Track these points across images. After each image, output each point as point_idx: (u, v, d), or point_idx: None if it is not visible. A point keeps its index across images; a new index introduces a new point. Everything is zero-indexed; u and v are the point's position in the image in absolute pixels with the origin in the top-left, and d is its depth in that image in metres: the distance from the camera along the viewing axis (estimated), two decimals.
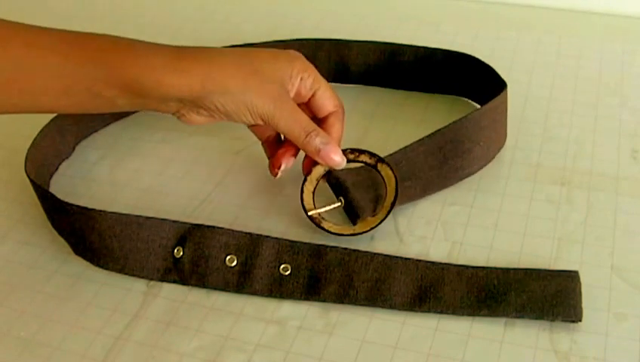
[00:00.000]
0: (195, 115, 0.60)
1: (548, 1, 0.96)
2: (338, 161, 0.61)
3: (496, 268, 0.57)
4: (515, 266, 0.59)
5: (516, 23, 0.93)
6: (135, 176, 0.71)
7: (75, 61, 0.55)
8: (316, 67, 0.62)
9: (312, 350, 0.54)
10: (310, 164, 0.63)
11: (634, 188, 0.66)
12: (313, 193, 0.64)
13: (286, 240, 0.60)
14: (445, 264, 0.58)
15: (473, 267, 0.58)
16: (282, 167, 0.63)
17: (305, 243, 0.60)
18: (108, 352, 0.55)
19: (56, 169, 0.72)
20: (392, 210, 0.62)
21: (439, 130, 0.66)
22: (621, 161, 0.70)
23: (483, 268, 0.58)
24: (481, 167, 0.69)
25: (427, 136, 0.66)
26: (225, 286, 0.59)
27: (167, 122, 0.72)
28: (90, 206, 0.59)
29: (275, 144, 0.65)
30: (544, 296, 0.55)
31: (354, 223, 0.63)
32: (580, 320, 0.54)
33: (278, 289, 0.58)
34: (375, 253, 0.59)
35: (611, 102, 0.78)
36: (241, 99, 0.58)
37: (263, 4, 1.01)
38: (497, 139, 0.71)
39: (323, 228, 0.62)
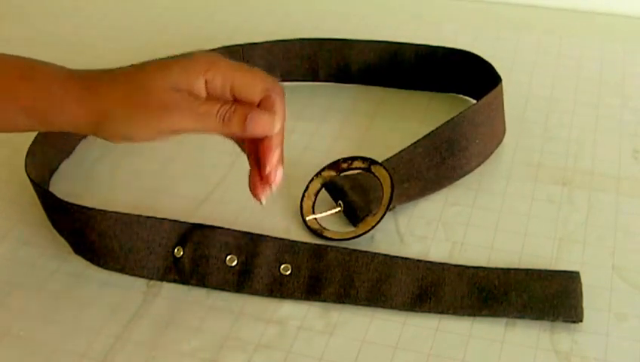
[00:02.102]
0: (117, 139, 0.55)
1: (548, 1, 0.96)
2: (267, 124, 0.52)
3: (496, 269, 0.57)
4: (516, 266, 0.59)
5: (516, 22, 0.93)
6: (135, 176, 0.71)
7: None
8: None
9: (313, 350, 0.54)
10: (253, 149, 0.55)
11: (635, 188, 0.66)
12: (313, 208, 0.64)
13: (286, 240, 0.60)
14: (446, 264, 0.58)
15: (474, 267, 0.58)
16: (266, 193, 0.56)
17: (305, 243, 0.60)
18: (108, 352, 0.54)
19: (56, 169, 0.72)
20: (392, 209, 0.62)
21: (434, 130, 0.66)
22: (622, 161, 0.70)
23: (484, 268, 0.58)
24: (479, 164, 0.69)
25: (423, 138, 0.66)
26: (225, 286, 0.59)
27: None
28: (90, 206, 0.59)
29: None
30: (545, 296, 0.55)
31: (354, 225, 0.63)
32: (581, 321, 0.54)
33: (279, 289, 0.58)
34: (375, 253, 0.59)
35: (612, 102, 0.78)
36: (136, 122, 0.53)
37: (264, 4, 1.01)
38: (494, 135, 0.71)
39: (326, 238, 0.62)
